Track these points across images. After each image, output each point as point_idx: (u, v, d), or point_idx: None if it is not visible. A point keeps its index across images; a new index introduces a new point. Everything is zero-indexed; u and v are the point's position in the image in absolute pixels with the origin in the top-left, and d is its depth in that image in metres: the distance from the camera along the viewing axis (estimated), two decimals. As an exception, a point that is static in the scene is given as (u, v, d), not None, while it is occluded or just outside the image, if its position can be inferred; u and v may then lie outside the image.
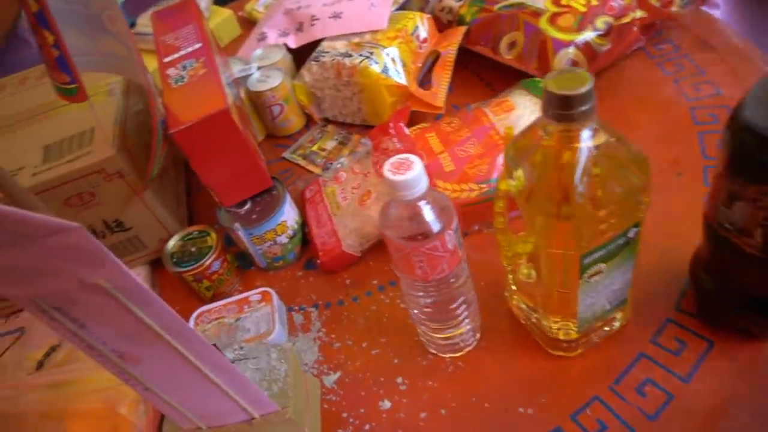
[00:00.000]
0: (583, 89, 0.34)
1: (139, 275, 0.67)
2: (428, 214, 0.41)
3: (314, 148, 0.79)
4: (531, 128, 0.41)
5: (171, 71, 0.62)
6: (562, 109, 0.35)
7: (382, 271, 0.62)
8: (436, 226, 0.41)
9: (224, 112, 0.55)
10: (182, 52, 0.64)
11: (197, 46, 0.64)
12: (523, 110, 0.65)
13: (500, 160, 0.61)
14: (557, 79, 0.35)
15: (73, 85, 0.51)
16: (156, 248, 0.67)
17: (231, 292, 0.65)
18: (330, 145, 0.79)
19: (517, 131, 0.63)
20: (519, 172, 0.41)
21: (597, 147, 0.37)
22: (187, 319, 0.60)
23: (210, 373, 0.39)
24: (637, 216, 0.40)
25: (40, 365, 0.49)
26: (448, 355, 0.53)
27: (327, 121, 0.83)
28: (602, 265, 0.42)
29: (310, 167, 0.77)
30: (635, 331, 0.51)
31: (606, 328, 0.50)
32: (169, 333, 0.35)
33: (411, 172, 0.38)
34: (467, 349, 0.53)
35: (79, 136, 0.60)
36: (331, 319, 0.60)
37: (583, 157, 0.37)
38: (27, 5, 0.44)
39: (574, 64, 0.70)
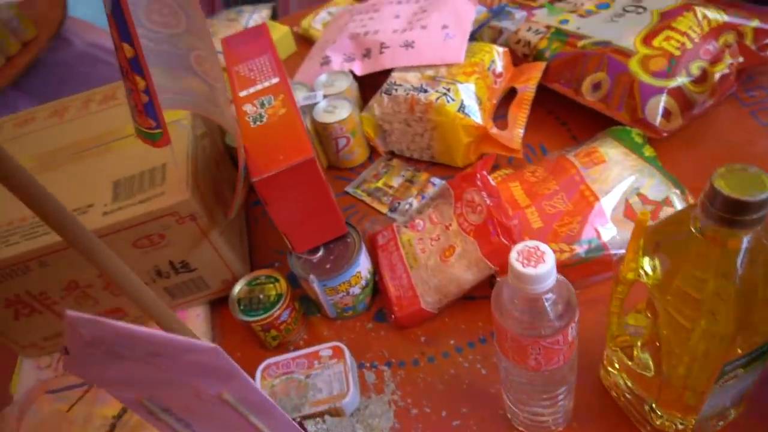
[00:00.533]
0: (763, 195, 0.30)
1: (198, 316, 0.65)
2: (553, 308, 0.37)
3: (379, 183, 0.76)
4: (677, 218, 0.37)
5: (248, 108, 0.59)
6: (732, 214, 0.31)
7: (459, 330, 0.59)
8: (560, 322, 0.37)
9: (311, 162, 0.52)
10: (259, 87, 0.61)
11: (275, 81, 0.61)
12: (614, 164, 0.61)
13: (594, 220, 0.57)
14: (729, 178, 0.31)
15: (157, 130, 0.48)
16: (218, 288, 0.64)
17: (297, 341, 0.62)
18: (396, 181, 0.75)
19: (608, 186, 0.60)
20: (656, 262, 0.37)
21: (755, 247, 0.33)
22: (253, 370, 0.57)
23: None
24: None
25: (112, 427, 0.46)
26: (537, 435, 0.50)
27: (392, 154, 0.79)
28: (740, 371, 0.38)
29: (376, 205, 0.73)
30: (747, 422, 0.47)
31: (720, 423, 0.46)
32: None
33: (543, 266, 0.35)
34: (558, 430, 0.50)
35: (150, 172, 0.58)
36: (406, 381, 0.56)
37: (742, 261, 0.33)
38: (122, 51, 0.41)
39: (667, 113, 0.66)
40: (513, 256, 0.36)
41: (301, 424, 0.46)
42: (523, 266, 0.35)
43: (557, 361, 0.39)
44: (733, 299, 0.33)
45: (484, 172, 0.59)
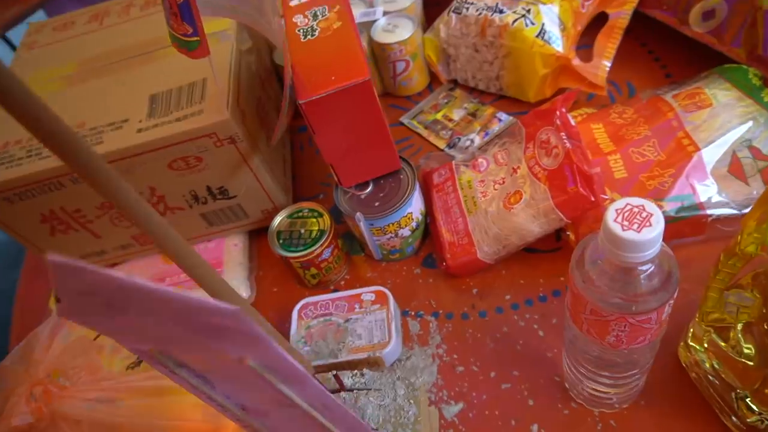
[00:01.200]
0: None
1: (236, 246, 0.61)
2: (650, 281, 0.30)
3: (438, 116, 0.68)
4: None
5: (298, 19, 0.51)
6: None
7: (517, 285, 0.53)
8: (656, 298, 0.31)
9: (366, 85, 0.45)
10: (311, -5, 0.53)
11: (330, -12, 0.53)
12: (722, 109, 0.52)
13: (690, 174, 0.48)
14: None
15: (194, 38, 0.42)
16: (258, 218, 0.60)
17: (338, 281, 0.58)
18: (458, 114, 0.67)
19: (712, 135, 0.51)
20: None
21: None
22: (291, 307, 0.54)
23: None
24: None
25: (139, 361, 0.44)
26: (597, 410, 0.45)
27: (455, 83, 0.71)
28: None
29: (433, 139, 0.66)
30: None
31: (822, 424, 0.39)
32: (315, 408, 0.27)
33: (649, 231, 0.28)
34: (623, 407, 0.44)
35: (189, 87, 0.52)
36: (454, 335, 0.52)
37: None
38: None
39: (795, 51, 0.54)
40: (610, 215, 0.29)
41: (336, 377, 0.42)
42: (623, 229, 0.28)
43: (642, 340, 0.33)
44: None
45: (564, 110, 0.51)
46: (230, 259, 0.60)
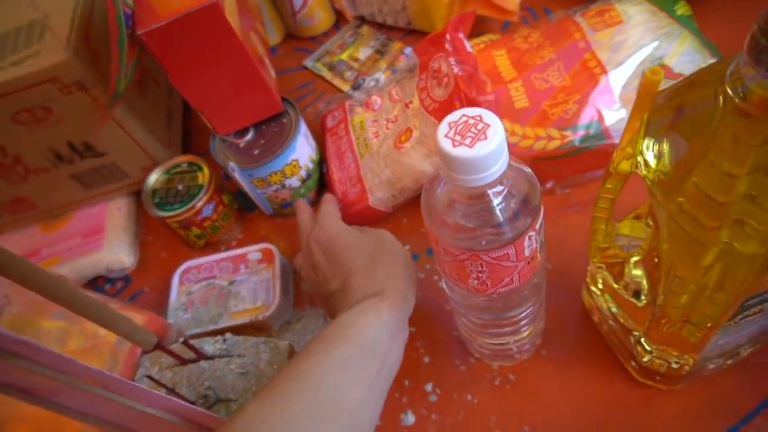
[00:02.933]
0: None
1: (119, 209, 0.55)
2: (503, 209, 0.26)
3: (344, 56, 0.62)
4: (700, 78, 0.24)
5: (148, -59, 0.44)
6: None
7: (418, 234, 0.48)
8: (512, 228, 0.26)
9: (214, 8, 0.38)
10: None
11: None
12: (633, 26, 0.46)
13: (597, 99, 0.44)
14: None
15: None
16: (139, 177, 0.54)
17: (229, 240, 0.52)
18: (364, 53, 0.61)
19: (621, 54, 0.46)
20: (664, 147, 0.25)
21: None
22: (172, 273, 0.48)
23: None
24: None
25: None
26: (496, 363, 0.41)
27: (362, 20, 0.65)
28: (767, 304, 0.27)
29: (337, 82, 0.60)
30: (762, 362, 0.37)
31: (729, 361, 0.35)
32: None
33: (485, 144, 0.23)
34: (522, 358, 0.40)
35: (28, 27, 0.45)
36: (349, 292, 0.47)
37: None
38: None
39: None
40: (442, 129, 0.24)
41: (188, 344, 0.37)
42: (454, 145, 0.23)
43: (509, 281, 0.29)
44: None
45: (460, 34, 0.45)
46: (114, 224, 0.54)
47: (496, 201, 0.25)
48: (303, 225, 0.43)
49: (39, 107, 0.45)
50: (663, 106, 0.26)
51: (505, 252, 0.26)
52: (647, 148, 0.25)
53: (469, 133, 0.23)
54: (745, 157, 0.22)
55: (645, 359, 0.34)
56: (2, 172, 0.49)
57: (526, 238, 0.26)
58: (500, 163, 0.24)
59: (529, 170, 0.27)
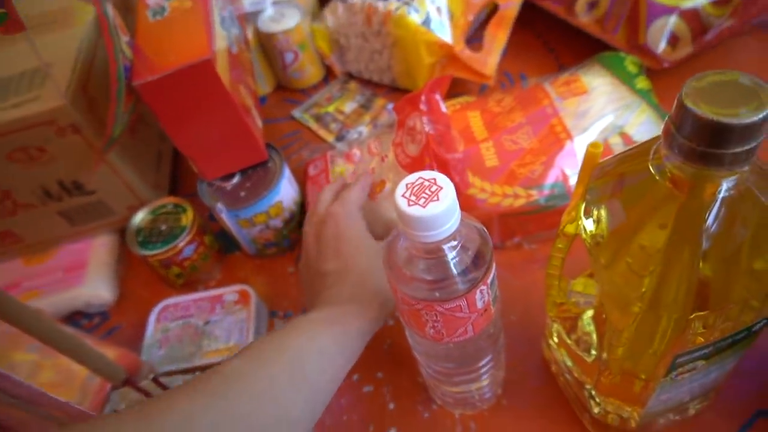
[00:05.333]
0: (758, 116, 0.20)
1: (103, 246, 0.57)
2: (456, 263, 0.28)
3: (330, 108, 0.65)
4: (636, 154, 0.26)
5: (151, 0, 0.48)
6: (710, 145, 0.21)
7: (390, 282, 0.50)
8: (464, 282, 0.28)
9: (207, 65, 0.41)
10: (168, -26, 0.50)
11: (188, -32, 0.50)
12: (597, 96, 0.50)
13: (562, 162, 0.47)
14: (710, 90, 0.21)
15: (0, 10, 0.38)
16: (125, 215, 0.56)
17: (208, 280, 0.54)
18: (350, 107, 0.65)
19: (586, 122, 0.49)
20: (602, 213, 0.27)
21: (740, 197, 0.23)
22: (149, 310, 0.50)
23: None
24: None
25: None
26: (458, 411, 0.42)
27: (350, 76, 0.69)
28: (701, 363, 0.29)
29: (322, 133, 0.63)
30: (712, 420, 0.38)
31: (676, 417, 0.37)
32: None
33: (437, 205, 0.25)
34: (483, 407, 0.42)
35: (31, 73, 0.48)
36: (321, 336, 0.48)
37: (717, 215, 0.23)
38: None
39: (674, 39, 0.54)
40: (400, 189, 0.26)
41: (156, 381, 0.38)
42: (408, 204, 0.25)
43: (464, 332, 0.30)
44: (692, 268, 0.24)
45: (436, 95, 0.49)
46: (96, 260, 0.56)
47: (450, 255, 0.27)
48: (325, 194, 0.44)
49: (35, 147, 0.47)
50: (611, 172, 0.29)
51: (458, 304, 0.28)
52: (585, 215, 0.28)
53: (423, 194, 0.25)
54: (666, 222, 0.24)
55: (596, 411, 0.36)
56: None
57: (478, 291, 0.28)
58: (451, 223, 0.26)
59: (483, 227, 0.29)
